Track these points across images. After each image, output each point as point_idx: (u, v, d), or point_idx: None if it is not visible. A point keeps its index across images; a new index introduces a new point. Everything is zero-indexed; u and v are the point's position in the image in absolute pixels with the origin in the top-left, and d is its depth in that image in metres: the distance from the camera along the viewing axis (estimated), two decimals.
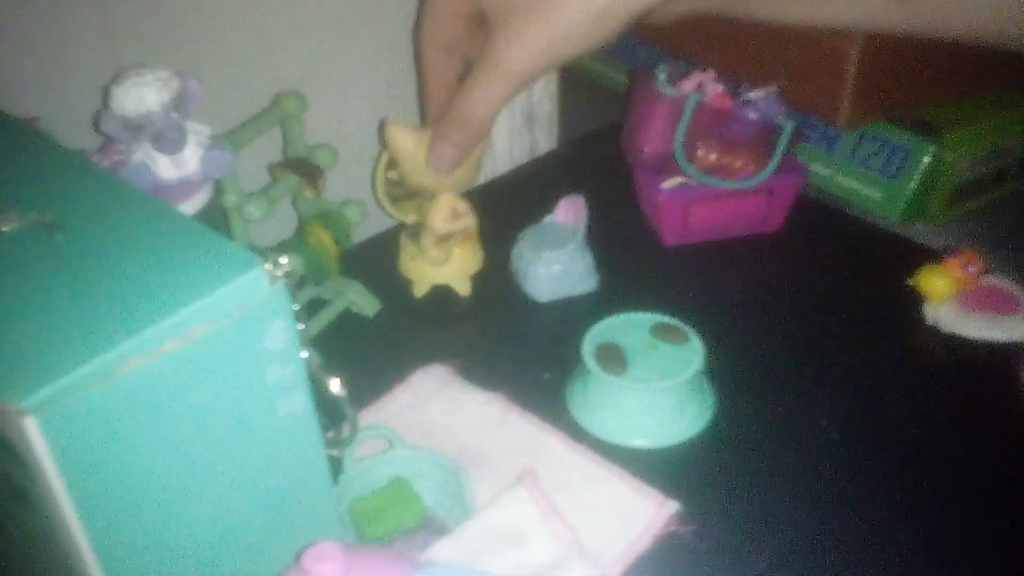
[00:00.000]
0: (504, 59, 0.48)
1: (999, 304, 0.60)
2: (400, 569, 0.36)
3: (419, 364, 0.58)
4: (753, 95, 0.67)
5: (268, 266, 0.33)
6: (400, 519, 0.47)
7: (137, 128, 0.50)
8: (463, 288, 0.64)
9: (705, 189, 0.66)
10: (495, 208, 0.69)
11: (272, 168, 0.60)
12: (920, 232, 0.72)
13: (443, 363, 0.58)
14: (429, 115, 0.55)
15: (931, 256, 0.62)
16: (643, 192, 0.71)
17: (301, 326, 0.35)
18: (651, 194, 0.68)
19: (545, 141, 0.81)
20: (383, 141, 0.57)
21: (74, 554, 0.31)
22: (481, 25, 0.50)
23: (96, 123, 0.50)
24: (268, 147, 0.61)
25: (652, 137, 0.67)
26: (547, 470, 0.50)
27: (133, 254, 0.34)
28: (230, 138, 0.54)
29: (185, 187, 0.51)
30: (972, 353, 0.58)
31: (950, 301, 0.60)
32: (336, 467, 0.48)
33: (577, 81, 0.84)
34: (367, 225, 0.64)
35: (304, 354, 0.35)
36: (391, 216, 0.64)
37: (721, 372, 0.56)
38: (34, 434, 0.28)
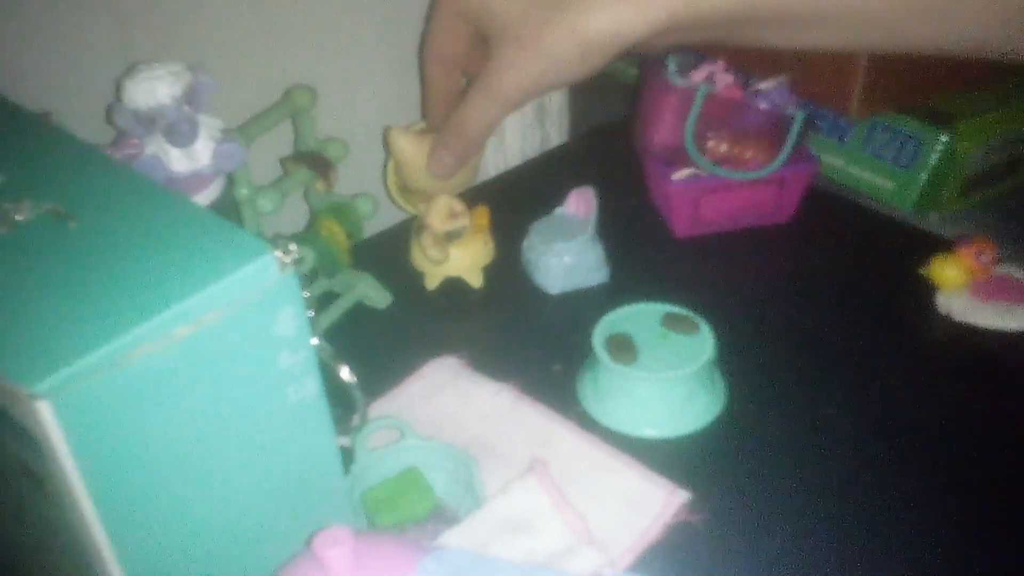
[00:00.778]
0: (497, 84, 0.51)
1: (1012, 293, 0.60)
2: (409, 554, 0.36)
3: (430, 356, 0.58)
4: (763, 85, 0.67)
5: (278, 253, 0.33)
6: (412, 508, 0.47)
7: (149, 121, 0.50)
8: (475, 280, 0.64)
9: (716, 180, 0.66)
10: (506, 200, 0.69)
11: (284, 161, 0.60)
12: (933, 222, 0.71)
13: (454, 354, 0.58)
14: (430, 123, 0.58)
15: (943, 245, 0.62)
16: (654, 183, 0.71)
17: (311, 313, 0.35)
18: (662, 185, 0.68)
19: (556, 134, 0.81)
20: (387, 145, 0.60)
21: (87, 538, 0.31)
22: (482, 43, 0.52)
23: (109, 117, 0.51)
24: (280, 140, 0.61)
25: (662, 128, 0.67)
26: (557, 460, 0.50)
27: (145, 242, 0.34)
28: (242, 131, 0.55)
29: (197, 180, 0.52)
30: (984, 342, 0.58)
31: (962, 290, 0.60)
32: (348, 457, 0.48)
33: None
34: (379, 218, 0.64)
35: (314, 341, 0.35)
36: (402, 209, 0.65)
37: (732, 362, 0.56)
38: (48, 418, 0.29)
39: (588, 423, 0.54)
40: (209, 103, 0.51)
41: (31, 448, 0.30)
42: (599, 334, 0.55)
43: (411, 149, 0.58)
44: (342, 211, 0.60)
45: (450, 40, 0.53)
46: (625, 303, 0.57)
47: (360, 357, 0.52)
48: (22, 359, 0.29)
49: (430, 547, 0.38)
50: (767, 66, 0.68)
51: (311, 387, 0.36)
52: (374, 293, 0.62)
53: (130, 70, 0.50)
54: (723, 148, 0.66)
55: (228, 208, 0.54)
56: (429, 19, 0.54)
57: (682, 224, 0.68)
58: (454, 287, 0.64)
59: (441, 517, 0.48)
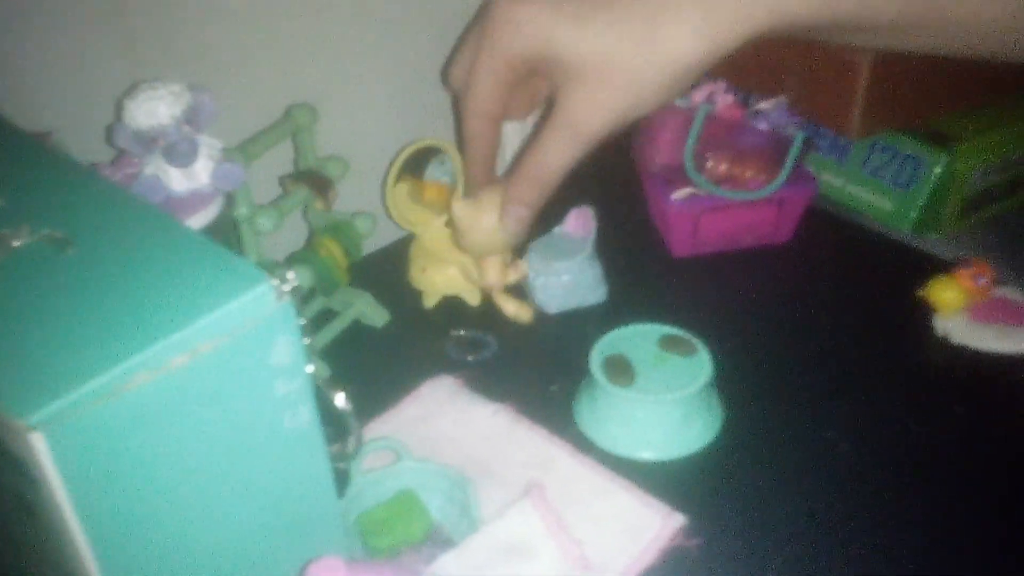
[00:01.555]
0: (577, 120, 0.48)
1: (1010, 315, 0.60)
2: None
3: (428, 375, 0.58)
4: (763, 105, 0.67)
5: (275, 281, 0.33)
6: (407, 531, 0.47)
7: (150, 141, 0.50)
8: (472, 299, 0.64)
9: (715, 200, 0.66)
10: None
11: (283, 180, 0.61)
12: (932, 243, 0.72)
13: (451, 374, 0.58)
14: (473, 181, 0.55)
15: (942, 267, 0.62)
16: (653, 203, 0.71)
17: (307, 340, 0.35)
18: (661, 205, 0.68)
19: None
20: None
21: (79, 568, 0.31)
22: (525, 85, 0.50)
23: (109, 136, 0.51)
24: (279, 159, 0.62)
25: (662, 148, 0.68)
26: (554, 482, 0.50)
27: (141, 269, 0.34)
28: (242, 150, 0.55)
29: (197, 199, 0.52)
30: (982, 365, 0.58)
31: (960, 313, 0.60)
32: (343, 479, 0.48)
33: None
34: (377, 236, 0.64)
35: (310, 368, 0.35)
36: (401, 227, 0.65)
37: (729, 384, 0.56)
38: (41, 450, 0.29)
39: (585, 445, 0.54)
40: (209, 123, 0.51)
41: (25, 478, 0.30)
42: (596, 355, 0.55)
43: (469, 213, 0.56)
44: (341, 229, 0.60)
45: (500, 93, 0.50)
46: (623, 323, 0.57)
47: (357, 376, 0.52)
48: (16, 389, 0.29)
49: (425, 574, 0.38)
50: (767, 86, 0.68)
51: (306, 415, 0.36)
52: (372, 311, 0.62)
53: (131, 90, 0.50)
54: (723, 168, 0.66)
55: (227, 227, 0.54)
56: (473, 72, 0.50)
57: (681, 244, 0.68)
58: (452, 306, 0.64)
59: (437, 540, 0.48)
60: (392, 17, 0.66)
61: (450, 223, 0.59)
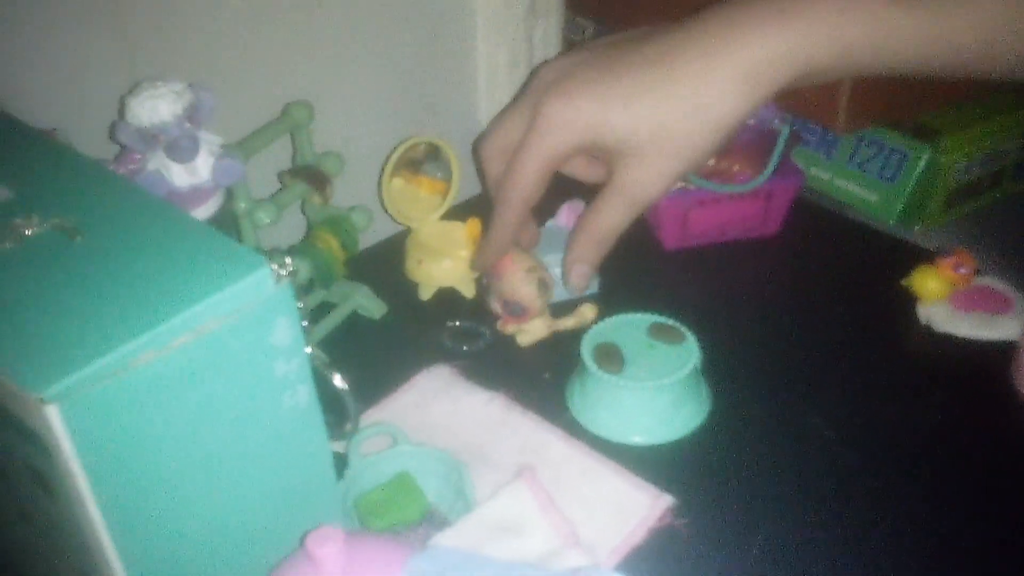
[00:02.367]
0: (636, 190, 0.53)
1: (991, 304, 0.61)
2: (400, 552, 0.38)
3: (424, 365, 0.59)
4: None
5: (274, 266, 0.35)
6: (404, 513, 0.49)
7: (152, 138, 0.52)
8: (467, 291, 0.65)
9: (704, 193, 0.68)
10: None
11: (281, 175, 0.62)
12: (916, 234, 0.73)
13: (447, 364, 0.60)
14: (485, 256, 0.59)
15: (924, 257, 0.63)
16: None
17: (305, 323, 0.36)
18: None
19: None
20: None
21: (91, 536, 0.33)
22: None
23: (112, 133, 0.53)
24: (278, 155, 0.63)
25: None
26: (546, 466, 0.52)
27: (147, 255, 0.36)
28: (241, 147, 0.57)
29: (198, 194, 0.53)
30: (964, 352, 0.60)
31: (943, 301, 0.62)
32: (342, 462, 0.49)
33: None
34: (374, 230, 0.66)
35: (308, 350, 0.37)
36: (397, 222, 0.66)
37: (717, 372, 0.57)
38: (55, 421, 0.30)
39: (577, 430, 0.55)
40: (209, 120, 0.53)
41: (39, 451, 0.31)
42: (587, 344, 0.56)
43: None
44: (338, 223, 0.61)
45: (545, 182, 0.54)
46: (614, 313, 0.59)
47: (355, 366, 0.53)
48: (32, 365, 0.31)
49: (420, 547, 0.40)
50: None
51: (305, 394, 0.37)
52: (369, 303, 0.64)
53: (133, 89, 0.52)
54: (711, 162, 0.68)
55: (227, 221, 0.56)
56: (520, 165, 0.53)
57: (670, 237, 0.70)
58: (447, 297, 0.65)
59: (433, 521, 0.49)
60: (388, 15, 0.67)
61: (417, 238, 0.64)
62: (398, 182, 0.66)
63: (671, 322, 0.58)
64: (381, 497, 0.49)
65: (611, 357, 0.55)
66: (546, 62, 0.54)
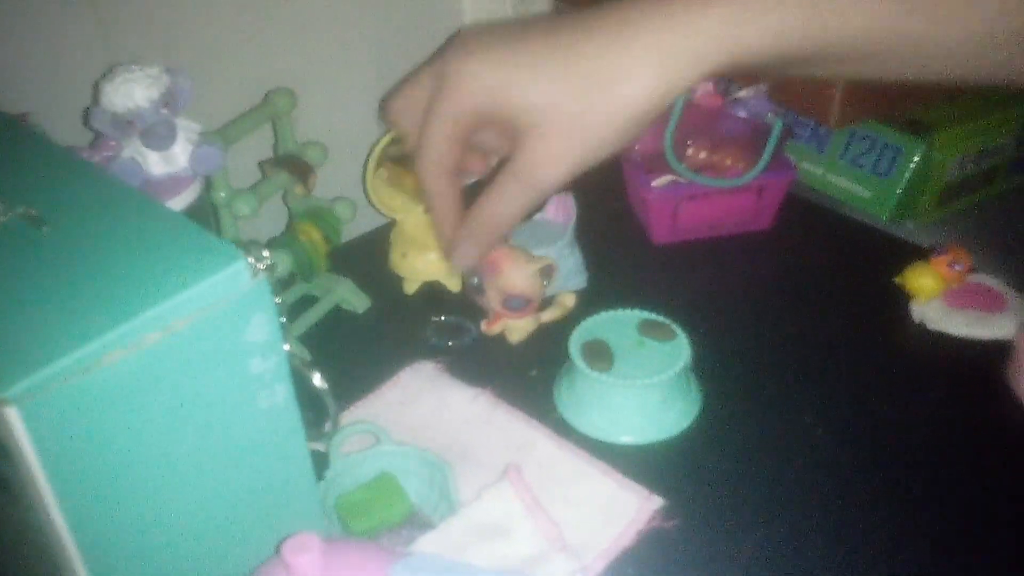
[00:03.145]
0: (532, 172, 0.47)
1: (985, 302, 0.60)
2: (379, 560, 0.36)
3: (408, 361, 0.58)
4: (743, 93, 0.67)
5: (250, 259, 0.33)
6: (385, 514, 0.47)
7: (127, 124, 0.50)
8: (453, 285, 0.64)
9: (695, 187, 0.67)
10: None
11: (262, 165, 0.60)
12: (910, 231, 0.72)
13: (432, 360, 0.58)
14: (442, 237, 0.53)
15: (918, 254, 0.62)
16: (633, 190, 0.72)
17: (283, 319, 0.35)
18: (641, 192, 0.68)
19: None
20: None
21: (55, 542, 0.31)
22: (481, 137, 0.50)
23: (87, 119, 0.51)
24: (259, 144, 0.61)
25: (642, 135, 0.68)
26: (533, 466, 0.50)
27: (117, 247, 0.34)
28: (220, 134, 0.55)
29: (175, 183, 0.52)
30: (957, 350, 0.59)
31: (936, 299, 0.61)
32: (323, 462, 0.48)
33: None
34: (358, 222, 0.64)
35: (286, 347, 0.35)
36: (381, 214, 0.65)
37: (707, 369, 0.56)
38: (15, 424, 0.29)
39: (564, 429, 0.54)
40: (187, 106, 0.51)
41: (0, 452, 0.30)
42: (575, 341, 0.55)
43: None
44: (321, 215, 0.60)
45: (458, 146, 0.49)
46: (603, 309, 0.57)
47: (338, 362, 0.52)
48: None
49: (401, 553, 0.38)
50: (747, 74, 0.68)
51: (282, 393, 0.36)
52: (353, 297, 0.62)
53: (108, 73, 0.50)
54: (702, 155, 0.67)
55: (205, 211, 0.54)
56: (428, 129, 0.49)
57: (661, 231, 0.69)
58: (432, 292, 0.64)
59: (415, 523, 0.48)
60: (372, 2, 0.66)
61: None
62: (383, 173, 0.64)
63: (661, 319, 0.56)
64: (362, 498, 0.48)
65: (600, 354, 0.54)
66: (467, 28, 0.51)
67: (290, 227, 0.60)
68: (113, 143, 0.51)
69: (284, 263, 0.56)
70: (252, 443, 0.36)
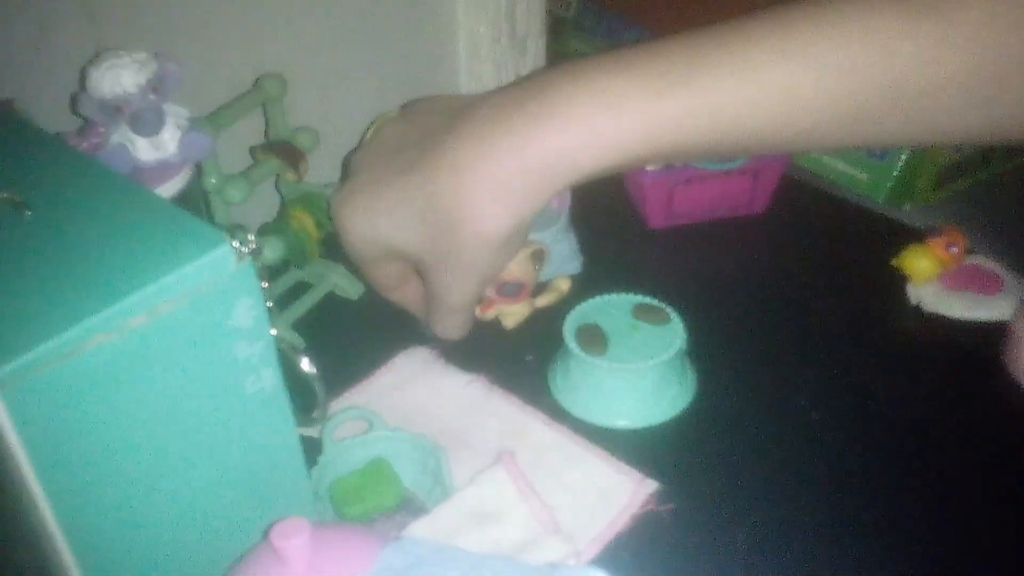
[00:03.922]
0: (444, 298, 0.52)
1: (982, 284, 0.60)
2: (370, 545, 0.36)
3: (402, 347, 0.58)
4: None
5: (235, 243, 0.33)
6: (379, 499, 0.47)
7: (115, 110, 0.49)
8: None
9: (690, 171, 0.66)
10: None
11: (253, 151, 0.60)
12: (907, 213, 0.72)
13: (426, 345, 0.58)
14: (448, 331, 0.57)
15: (915, 236, 0.62)
16: (628, 174, 0.71)
17: (270, 304, 0.35)
18: (636, 175, 0.68)
19: None
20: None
21: (41, 529, 0.31)
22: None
23: (74, 105, 0.50)
24: (250, 130, 0.61)
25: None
26: (528, 451, 0.50)
27: (101, 232, 0.34)
28: (210, 120, 0.54)
29: (164, 169, 0.51)
30: (955, 333, 0.58)
31: (933, 281, 0.60)
32: (316, 448, 0.48)
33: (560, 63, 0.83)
34: None
35: (273, 332, 0.35)
36: None
37: (703, 353, 0.56)
38: None
39: (559, 414, 0.54)
40: (176, 91, 0.51)
41: None
42: (570, 325, 0.55)
43: None
44: (313, 201, 0.59)
45: (392, 273, 0.54)
46: (598, 293, 0.57)
47: (331, 348, 0.52)
48: None
49: (393, 537, 0.38)
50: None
51: (270, 379, 0.35)
52: (345, 283, 0.62)
53: (95, 58, 0.50)
54: None
55: (196, 198, 0.54)
56: (367, 277, 0.55)
57: (656, 215, 0.68)
58: None
59: (409, 508, 0.48)
60: None
61: None
62: None
63: (655, 303, 0.56)
64: (356, 483, 0.47)
65: (594, 339, 0.54)
66: (355, 152, 0.54)
67: (282, 213, 0.60)
68: (101, 130, 0.51)
69: (276, 250, 0.56)
70: (240, 429, 0.36)
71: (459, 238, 0.47)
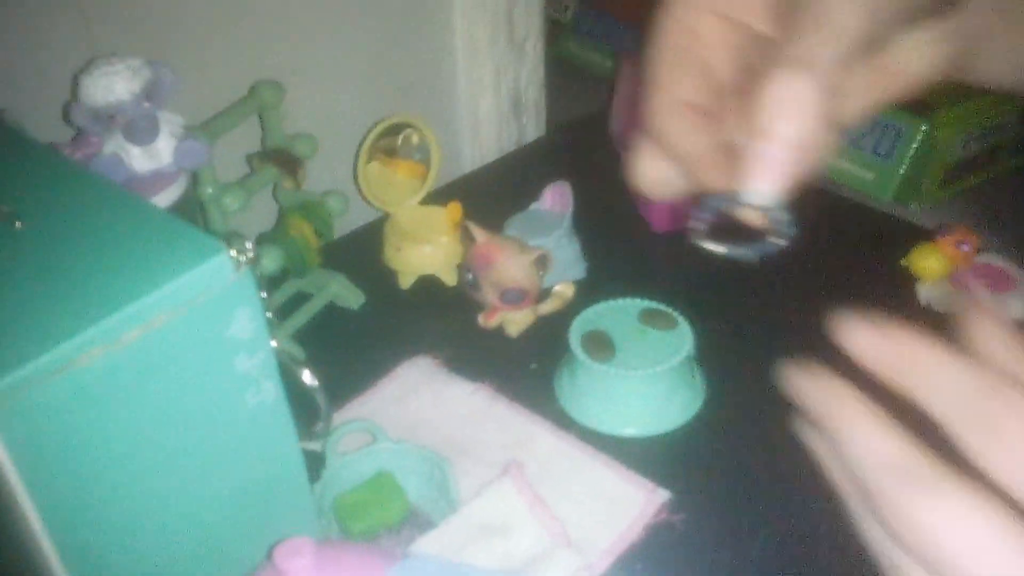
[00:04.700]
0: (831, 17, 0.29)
1: (993, 282, 0.59)
2: (376, 563, 0.35)
3: (405, 356, 0.57)
4: None
5: (233, 252, 0.32)
6: (384, 514, 0.46)
7: (108, 118, 0.48)
8: (449, 278, 0.63)
9: None
10: (481, 196, 0.68)
11: (250, 159, 0.59)
12: (915, 212, 0.71)
13: (429, 355, 0.57)
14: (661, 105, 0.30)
15: (924, 235, 0.61)
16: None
17: (270, 314, 0.33)
18: None
19: (533, 128, 0.80)
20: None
21: (35, 548, 0.30)
22: None
23: (67, 114, 0.49)
24: (247, 137, 0.60)
25: (641, 121, 0.66)
26: (535, 461, 0.49)
27: (95, 242, 0.33)
28: (206, 128, 0.53)
29: (159, 179, 0.50)
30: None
31: (943, 280, 0.59)
32: (319, 462, 0.47)
33: (563, 67, 0.82)
34: (350, 217, 0.63)
35: (274, 343, 0.34)
36: (374, 207, 0.63)
37: (711, 358, 0.55)
38: None
39: (566, 422, 0.53)
40: (170, 99, 0.50)
41: None
42: (575, 331, 0.54)
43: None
44: (312, 209, 0.58)
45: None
46: (603, 299, 0.56)
47: (333, 358, 0.50)
48: None
49: (399, 555, 0.37)
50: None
51: (271, 391, 0.34)
52: (346, 293, 0.61)
53: (87, 66, 0.49)
54: None
55: (192, 207, 0.53)
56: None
57: (661, 218, 0.67)
58: (428, 286, 0.62)
59: (415, 522, 0.47)
60: None
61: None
62: (375, 165, 0.63)
63: (663, 307, 0.55)
64: (360, 498, 0.46)
65: (600, 345, 0.53)
66: None
67: (280, 222, 0.59)
68: (95, 139, 0.50)
69: (275, 259, 0.54)
70: (241, 443, 0.34)
71: None
